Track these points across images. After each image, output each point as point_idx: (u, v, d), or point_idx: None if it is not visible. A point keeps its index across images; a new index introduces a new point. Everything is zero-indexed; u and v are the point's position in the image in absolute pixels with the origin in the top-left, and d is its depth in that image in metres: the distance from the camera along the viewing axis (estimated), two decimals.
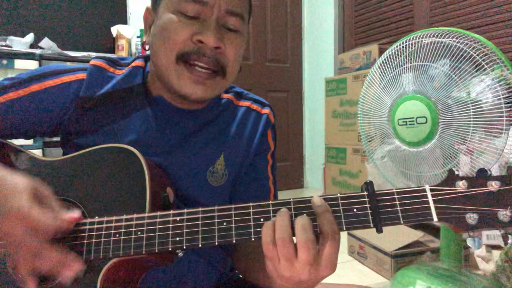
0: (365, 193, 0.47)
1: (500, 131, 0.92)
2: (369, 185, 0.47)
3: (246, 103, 0.76)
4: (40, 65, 2.08)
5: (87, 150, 0.60)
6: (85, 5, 2.64)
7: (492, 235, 1.63)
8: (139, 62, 0.71)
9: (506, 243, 0.45)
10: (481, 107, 0.94)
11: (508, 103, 0.91)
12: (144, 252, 0.50)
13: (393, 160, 1.13)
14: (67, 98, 0.65)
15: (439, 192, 0.46)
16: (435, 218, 0.45)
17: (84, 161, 0.60)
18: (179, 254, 0.54)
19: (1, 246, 0.55)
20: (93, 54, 2.44)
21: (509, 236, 0.45)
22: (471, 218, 0.44)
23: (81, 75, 0.66)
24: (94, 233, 0.52)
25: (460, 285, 0.99)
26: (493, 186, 0.44)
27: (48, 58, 2.13)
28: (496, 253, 1.56)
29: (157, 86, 0.68)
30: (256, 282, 0.68)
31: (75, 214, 0.51)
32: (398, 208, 0.46)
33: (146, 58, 0.72)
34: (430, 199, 0.45)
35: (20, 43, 2.26)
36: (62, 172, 0.59)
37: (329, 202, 0.47)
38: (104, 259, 0.52)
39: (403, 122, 1.07)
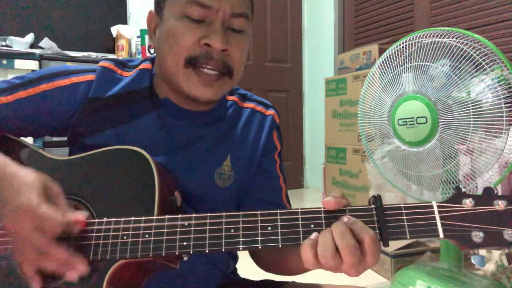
0: (373, 206, 0.47)
1: (500, 131, 0.92)
2: (377, 199, 0.47)
3: (251, 105, 0.77)
4: (40, 65, 2.08)
5: (98, 150, 0.60)
6: (85, 5, 2.64)
7: None
8: (146, 65, 0.71)
9: (510, 263, 0.45)
10: (481, 107, 0.94)
11: (508, 103, 0.91)
12: (151, 256, 0.50)
13: (393, 160, 1.13)
14: (76, 99, 0.65)
15: (446, 209, 0.46)
16: (441, 235, 0.45)
17: (94, 161, 0.60)
18: (184, 258, 0.54)
19: (9, 243, 0.55)
20: (93, 54, 2.44)
21: None
22: (477, 236, 0.44)
23: (90, 76, 0.67)
24: (102, 234, 0.52)
25: (460, 285, 0.99)
26: (500, 205, 0.44)
27: (48, 58, 2.12)
28: (496, 253, 1.56)
29: (163, 88, 0.69)
30: (291, 273, 0.69)
31: (82, 215, 0.52)
32: (405, 223, 0.46)
33: (153, 61, 0.72)
34: (437, 215, 0.46)
35: (20, 43, 2.26)
36: (72, 171, 0.60)
37: (337, 214, 0.47)
38: (111, 261, 0.52)
39: (403, 122, 1.07)
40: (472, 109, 0.94)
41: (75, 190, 0.58)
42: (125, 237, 0.51)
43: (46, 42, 2.40)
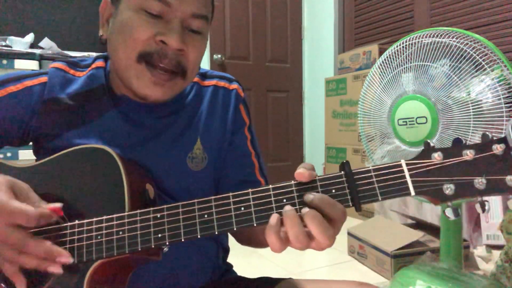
0: (342, 173, 0.47)
1: (500, 131, 0.92)
2: (345, 165, 0.47)
3: (213, 82, 0.75)
4: (40, 65, 2.08)
5: (60, 153, 0.59)
6: (85, 5, 2.64)
7: (492, 235, 1.63)
8: (99, 63, 0.70)
9: (483, 210, 0.45)
10: (481, 107, 0.94)
11: (508, 103, 0.91)
12: (127, 252, 0.50)
13: (393, 160, 1.13)
14: (31, 102, 0.64)
15: (415, 165, 0.46)
16: (413, 192, 0.45)
17: (58, 165, 0.59)
18: (164, 249, 0.54)
19: None
20: (93, 54, 2.44)
21: (486, 203, 0.45)
22: (448, 189, 0.44)
23: (43, 79, 0.66)
24: (76, 236, 0.52)
25: (460, 285, 0.99)
26: (468, 155, 0.44)
27: (48, 58, 2.13)
28: (496, 253, 1.56)
29: (119, 85, 0.67)
30: (260, 245, 0.70)
31: (56, 204, 0.51)
32: (376, 185, 0.46)
33: (106, 58, 0.71)
34: (406, 173, 0.46)
35: (20, 43, 2.27)
36: (37, 178, 0.58)
37: (308, 186, 0.47)
38: (88, 262, 0.51)
39: (403, 122, 1.07)
40: (472, 109, 0.94)
41: (42, 196, 0.56)
42: (99, 237, 0.51)
43: (46, 42, 2.40)
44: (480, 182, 0.43)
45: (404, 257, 1.57)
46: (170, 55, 0.60)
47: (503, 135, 0.45)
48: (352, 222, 2.04)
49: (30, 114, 0.65)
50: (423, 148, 0.47)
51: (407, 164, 0.46)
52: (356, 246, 1.84)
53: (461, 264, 1.11)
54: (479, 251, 1.59)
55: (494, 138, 0.44)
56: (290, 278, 0.72)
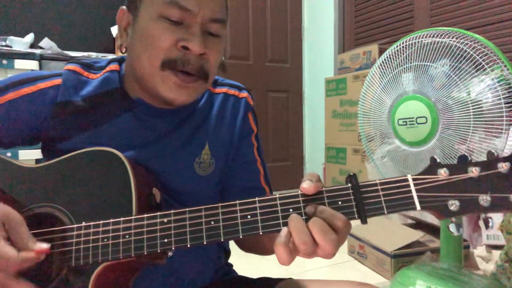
0: (349, 185, 0.48)
1: (500, 131, 0.92)
2: (352, 178, 0.48)
3: (223, 90, 0.76)
4: (40, 65, 2.08)
5: (70, 154, 0.60)
6: (85, 5, 2.64)
7: (492, 235, 1.63)
8: (113, 66, 0.70)
9: (487, 227, 0.46)
10: (481, 107, 0.94)
11: (508, 103, 0.91)
12: (133, 255, 0.50)
13: (393, 160, 1.13)
14: (45, 105, 0.65)
15: (421, 181, 0.46)
16: (418, 207, 0.46)
17: (67, 166, 0.59)
18: (169, 253, 0.54)
19: None
20: (93, 54, 2.44)
21: (489, 220, 0.46)
22: (453, 205, 0.45)
23: (57, 81, 0.66)
24: (82, 238, 0.52)
25: (460, 285, 0.99)
26: (473, 172, 0.45)
27: (48, 58, 2.12)
28: (496, 253, 1.56)
29: (135, 88, 0.68)
30: (265, 252, 0.71)
31: (43, 245, 0.48)
32: (382, 199, 0.47)
33: (120, 61, 0.72)
34: (412, 188, 0.46)
35: (20, 43, 2.26)
36: (46, 178, 0.59)
37: (314, 197, 0.48)
38: (93, 264, 0.51)
39: (403, 122, 1.07)
40: (472, 109, 0.94)
41: (51, 197, 0.57)
42: (105, 240, 0.51)
43: (46, 42, 2.40)
44: (485, 199, 0.44)
45: (404, 257, 1.58)
46: (192, 60, 0.61)
47: (508, 154, 0.46)
48: (352, 222, 2.04)
49: (43, 116, 0.65)
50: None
51: (413, 179, 0.47)
52: (356, 246, 1.84)
53: (461, 264, 1.11)
54: (479, 251, 1.59)
55: (500, 156, 0.45)
56: (290, 278, 0.72)
